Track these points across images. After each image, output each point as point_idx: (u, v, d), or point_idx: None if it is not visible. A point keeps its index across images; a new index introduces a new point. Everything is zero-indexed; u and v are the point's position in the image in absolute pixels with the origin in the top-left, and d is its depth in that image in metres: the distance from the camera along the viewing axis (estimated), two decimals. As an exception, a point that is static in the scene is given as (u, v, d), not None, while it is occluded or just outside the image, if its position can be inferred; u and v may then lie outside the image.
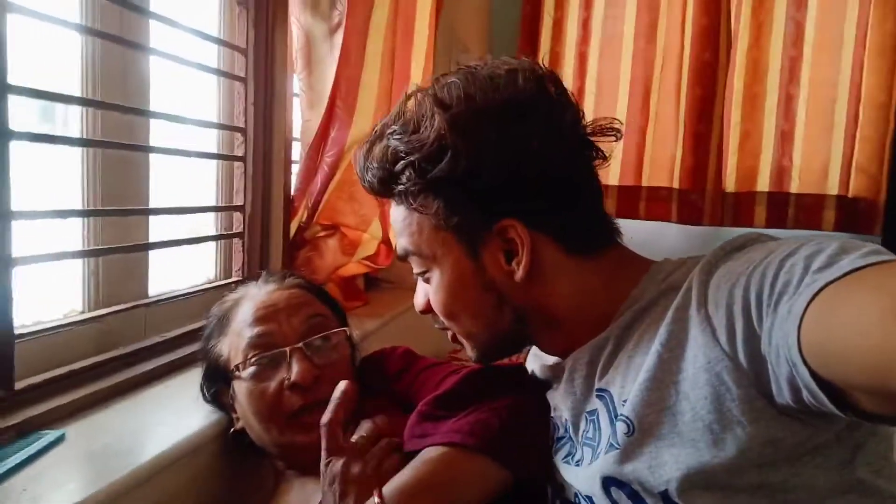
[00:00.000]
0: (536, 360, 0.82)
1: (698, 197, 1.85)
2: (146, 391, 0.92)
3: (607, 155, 0.68)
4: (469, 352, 0.72)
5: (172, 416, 0.86)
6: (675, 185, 1.86)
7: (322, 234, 1.31)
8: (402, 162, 0.64)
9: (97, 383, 0.87)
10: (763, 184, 1.83)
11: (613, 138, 0.66)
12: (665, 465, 0.54)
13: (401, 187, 0.65)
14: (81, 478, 0.68)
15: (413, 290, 0.75)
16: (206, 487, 0.85)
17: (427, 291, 0.71)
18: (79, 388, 0.84)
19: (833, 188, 1.76)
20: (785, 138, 1.80)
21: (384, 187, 0.68)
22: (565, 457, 0.68)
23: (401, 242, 0.70)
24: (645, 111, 1.89)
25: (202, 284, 1.20)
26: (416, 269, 0.70)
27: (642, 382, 0.57)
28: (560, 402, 0.71)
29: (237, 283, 1.19)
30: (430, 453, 0.66)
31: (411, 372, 0.88)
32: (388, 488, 0.63)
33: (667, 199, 1.89)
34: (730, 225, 1.86)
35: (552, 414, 0.73)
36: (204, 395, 0.88)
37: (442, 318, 0.70)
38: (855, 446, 0.53)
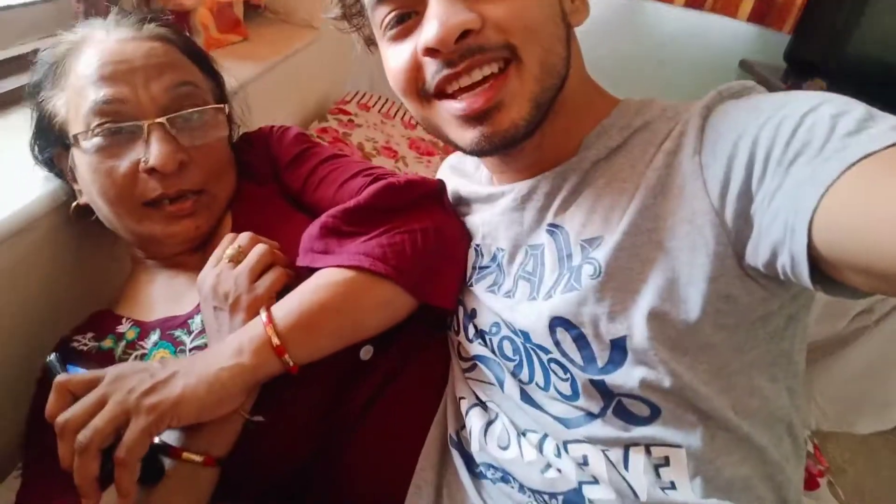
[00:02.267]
0: (459, 180, 0.75)
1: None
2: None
3: None
4: (523, 97, 0.55)
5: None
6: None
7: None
8: None
9: None
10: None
11: None
12: (626, 311, 0.52)
13: None
14: None
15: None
16: (51, 262, 0.77)
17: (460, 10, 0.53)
18: None
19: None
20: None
21: None
22: (490, 286, 0.65)
23: None
24: None
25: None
26: None
27: (620, 227, 0.53)
28: (495, 230, 0.66)
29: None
30: (333, 276, 0.60)
31: (308, 162, 0.77)
32: (282, 308, 0.57)
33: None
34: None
35: (477, 241, 0.68)
36: (35, 156, 0.74)
37: (513, 36, 0.54)
38: (790, 317, 0.53)
